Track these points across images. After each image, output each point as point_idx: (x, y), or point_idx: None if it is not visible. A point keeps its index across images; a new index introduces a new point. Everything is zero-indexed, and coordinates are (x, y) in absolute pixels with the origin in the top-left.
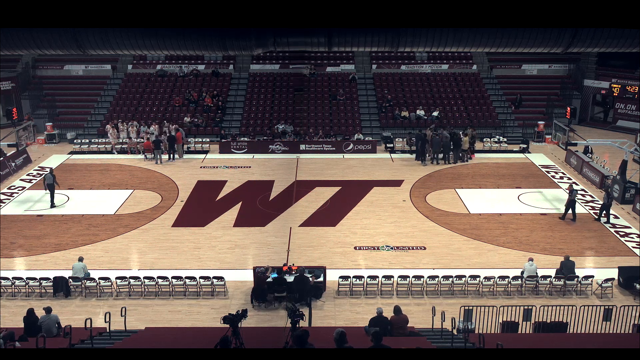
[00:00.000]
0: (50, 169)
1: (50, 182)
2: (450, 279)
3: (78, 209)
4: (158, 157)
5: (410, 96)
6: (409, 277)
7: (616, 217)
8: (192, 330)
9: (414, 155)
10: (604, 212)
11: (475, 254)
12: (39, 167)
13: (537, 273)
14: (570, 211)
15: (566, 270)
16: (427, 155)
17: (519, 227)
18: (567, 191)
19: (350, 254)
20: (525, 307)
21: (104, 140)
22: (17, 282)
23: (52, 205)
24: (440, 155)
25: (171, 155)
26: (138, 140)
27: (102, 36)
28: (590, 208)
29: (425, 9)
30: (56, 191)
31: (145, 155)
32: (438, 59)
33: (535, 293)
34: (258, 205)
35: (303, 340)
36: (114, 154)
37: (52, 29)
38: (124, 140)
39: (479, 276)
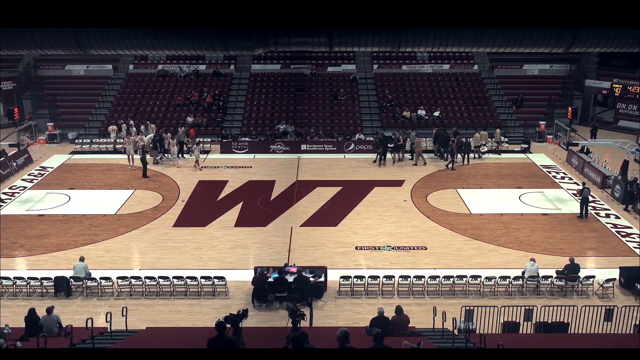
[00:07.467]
0: (164, 149)
1: (143, 157)
2: (452, 279)
3: (79, 208)
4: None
5: (412, 96)
6: (410, 277)
7: (617, 217)
8: (193, 330)
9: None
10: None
11: (476, 254)
12: (40, 167)
13: (538, 273)
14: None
15: (570, 272)
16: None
17: (520, 227)
18: (581, 188)
19: (351, 254)
20: (527, 308)
21: (105, 140)
22: (18, 282)
23: (145, 175)
24: (459, 156)
25: (161, 155)
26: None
27: (103, 36)
28: (591, 208)
29: (427, 9)
30: (56, 191)
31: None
32: (439, 59)
33: (537, 293)
34: (259, 205)
35: (301, 342)
36: (137, 153)
37: (53, 29)
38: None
39: (480, 276)
